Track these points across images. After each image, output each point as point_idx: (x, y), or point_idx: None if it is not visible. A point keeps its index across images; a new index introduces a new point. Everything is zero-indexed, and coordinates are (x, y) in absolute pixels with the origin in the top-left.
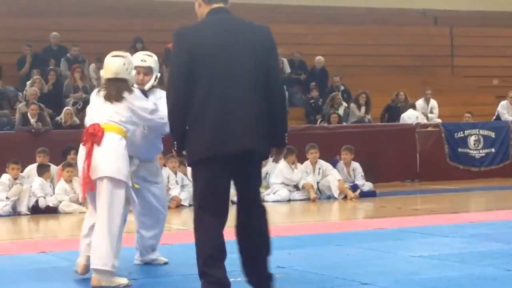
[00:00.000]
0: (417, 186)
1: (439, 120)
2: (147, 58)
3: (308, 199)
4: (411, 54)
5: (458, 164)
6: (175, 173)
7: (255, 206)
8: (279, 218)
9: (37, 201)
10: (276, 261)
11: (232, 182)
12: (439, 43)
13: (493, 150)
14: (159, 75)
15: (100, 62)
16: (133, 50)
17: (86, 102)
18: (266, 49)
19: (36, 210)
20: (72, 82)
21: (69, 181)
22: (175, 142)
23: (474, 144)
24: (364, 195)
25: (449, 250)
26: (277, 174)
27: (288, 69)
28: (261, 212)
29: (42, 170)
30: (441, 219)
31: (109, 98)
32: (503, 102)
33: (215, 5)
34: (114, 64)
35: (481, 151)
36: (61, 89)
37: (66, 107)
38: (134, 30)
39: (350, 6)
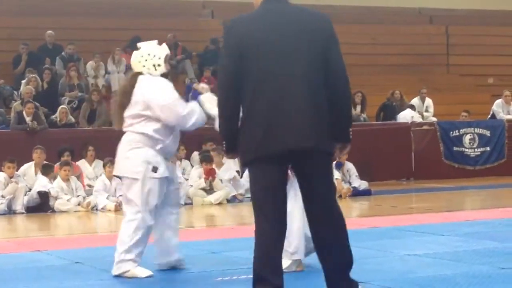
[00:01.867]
0: (413, 184)
1: (434, 119)
2: None
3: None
4: (407, 53)
5: (453, 163)
6: None
7: (322, 208)
8: None
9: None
10: None
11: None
12: (435, 42)
13: (488, 148)
14: None
15: (98, 59)
16: (129, 49)
17: (82, 101)
18: (324, 39)
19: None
20: (68, 81)
21: (66, 179)
22: (223, 142)
23: (469, 143)
24: (360, 193)
25: (444, 248)
26: None
27: None
28: (330, 216)
29: (47, 170)
30: (436, 218)
31: None
32: (498, 101)
33: None
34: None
35: (476, 149)
36: (57, 88)
37: (61, 106)
38: (130, 29)
39: (347, 5)
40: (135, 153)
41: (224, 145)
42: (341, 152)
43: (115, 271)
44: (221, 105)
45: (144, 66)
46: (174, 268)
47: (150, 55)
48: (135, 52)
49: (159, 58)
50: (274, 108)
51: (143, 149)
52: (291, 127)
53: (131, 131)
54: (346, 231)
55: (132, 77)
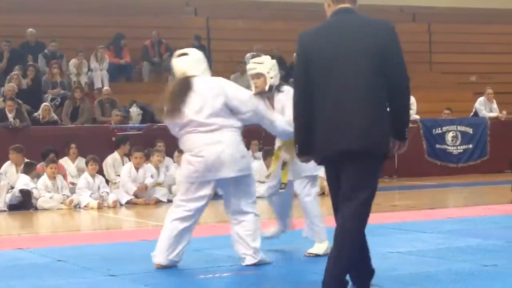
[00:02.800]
0: (395, 182)
1: (417, 117)
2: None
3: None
4: None
5: (436, 160)
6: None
7: (353, 206)
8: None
9: (24, 194)
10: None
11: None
12: (417, 39)
13: (470, 146)
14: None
15: (81, 56)
16: (112, 46)
17: (64, 98)
18: (386, 49)
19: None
20: (50, 78)
21: (52, 177)
22: (296, 145)
23: (452, 140)
24: None
25: (427, 246)
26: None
27: None
28: (357, 214)
29: (29, 169)
30: (419, 215)
31: None
32: (481, 99)
33: (342, 5)
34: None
35: (459, 147)
36: (40, 85)
37: (44, 103)
38: (113, 26)
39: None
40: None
41: (296, 148)
42: (399, 150)
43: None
44: (294, 108)
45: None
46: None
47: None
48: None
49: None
50: (335, 115)
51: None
52: (348, 131)
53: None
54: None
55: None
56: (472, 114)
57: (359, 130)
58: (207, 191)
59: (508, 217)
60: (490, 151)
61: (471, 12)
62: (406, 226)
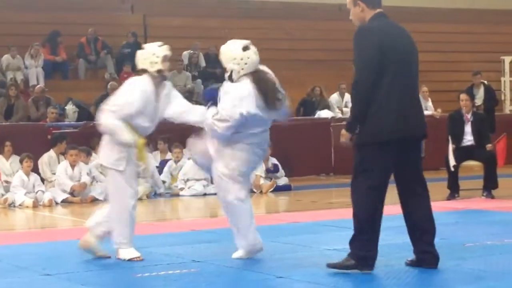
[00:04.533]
0: (332, 179)
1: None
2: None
3: None
4: (327, 49)
5: None
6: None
7: (420, 184)
8: (195, 212)
9: None
10: (192, 255)
11: None
12: (351, 37)
13: None
14: (231, 66)
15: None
16: (48, 43)
17: None
18: (417, 57)
19: None
20: None
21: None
22: (358, 126)
23: None
24: (280, 189)
25: None
26: (187, 170)
27: (203, 63)
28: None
29: None
30: None
31: None
32: None
33: (379, 10)
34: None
35: None
36: None
37: None
38: (48, 23)
39: (266, 0)
40: None
41: (350, 123)
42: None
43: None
44: (361, 93)
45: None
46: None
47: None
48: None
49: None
50: (405, 101)
51: None
52: (415, 118)
53: None
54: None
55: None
56: None
57: (422, 119)
58: None
59: (443, 214)
60: (426, 149)
61: (406, 11)
62: (343, 224)
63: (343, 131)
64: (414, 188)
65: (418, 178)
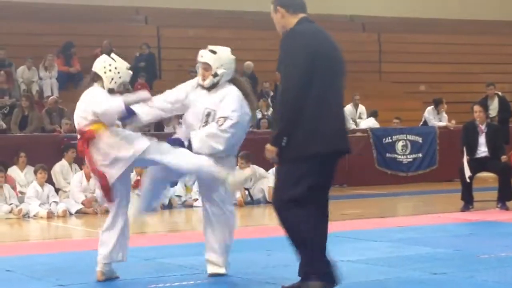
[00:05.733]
0: (346, 191)
1: (367, 125)
2: (205, 54)
3: (236, 205)
4: None
5: (386, 169)
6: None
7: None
8: None
9: None
10: (206, 266)
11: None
12: (367, 49)
13: (420, 155)
14: (221, 71)
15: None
16: (62, 55)
17: (13, 107)
18: (343, 62)
19: None
20: None
21: None
22: (284, 138)
23: (402, 149)
24: None
25: (377, 254)
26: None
27: None
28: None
29: None
30: (369, 224)
31: None
32: (429, 108)
33: (302, 15)
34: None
35: (408, 156)
36: None
37: None
38: (62, 34)
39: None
40: None
41: (284, 140)
42: None
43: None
44: (290, 101)
45: None
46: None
47: None
48: None
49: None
50: (336, 113)
51: None
52: (344, 131)
53: None
54: None
55: None
56: (421, 123)
57: (347, 133)
58: None
59: (457, 226)
60: (440, 160)
61: (420, 22)
62: (356, 235)
63: (268, 146)
64: (325, 209)
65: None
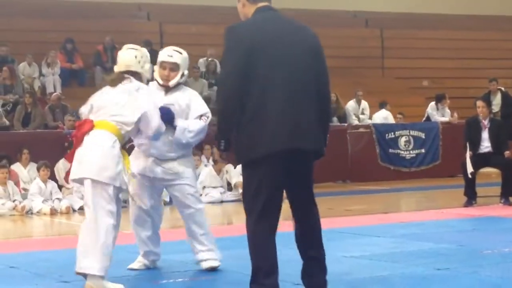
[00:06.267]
0: (349, 186)
1: (370, 121)
2: (174, 54)
3: (240, 200)
4: (342, 56)
5: (389, 165)
6: None
7: (311, 205)
8: (212, 219)
9: None
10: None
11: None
12: (370, 45)
13: (423, 150)
14: (186, 72)
15: (31, 60)
16: (63, 50)
17: (16, 103)
18: (315, 52)
19: None
20: (1, 83)
21: (3, 183)
22: (222, 140)
23: (405, 145)
24: None
25: (380, 250)
26: (204, 178)
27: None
28: (317, 211)
29: None
30: (372, 219)
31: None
32: (432, 103)
33: (261, 4)
34: (126, 56)
35: (411, 151)
36: None
37: None
38: (64, 31)
39: (280, 8)
40: None
41: (222, 143)
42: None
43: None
44: (224, 102)
45: None
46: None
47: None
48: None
49: None
50: (282, 110)
51: None
52: (296, 129)
53: None
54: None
55: None
56: (424, 118)
57: (310, 130)
58: None
59: (460, 221)
60: (442, 156)
61: (423, 18)
62: (359, 231)
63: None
64: (307, 209)
65: (310, 200)
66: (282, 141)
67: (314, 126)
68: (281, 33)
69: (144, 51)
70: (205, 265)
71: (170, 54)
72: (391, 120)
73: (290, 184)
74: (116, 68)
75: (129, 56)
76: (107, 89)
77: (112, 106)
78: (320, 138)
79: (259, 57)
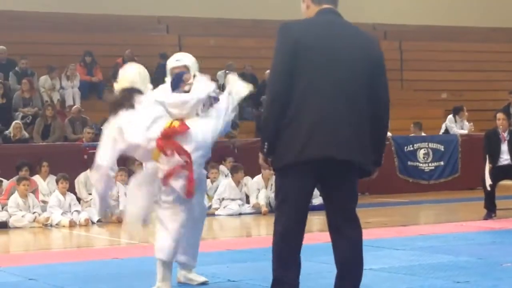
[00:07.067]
0: (368, 199)
1: (389, 134)
2: (181, 57)
3: (259, 213)
4: None
5: (408, 177)
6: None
7: (347, 222)
8: (231, 231)
9: None
10: (227, 274)
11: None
12: (389, 57)
13: (442, 163)
14: (198, 74)
15: (52, 72)
16: (82, 63)
17: (36, 116)
18: (374, 61)
19: None
20: (22, 96)
21: (24, 195)
22: (265, 143)
23: (424, 157)
24: (315, 208)
25: (399, 262)
26: (222, 191)
27: None
28: (353, 233)
29: None
30: (391, 232)
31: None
32: (450, 116)
33: (325, 6)
34: (130, 73)
35: (430, 164)
36: (11, 103)
37: (15, 121)
38: (84, 44)
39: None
40: None
41: (265, 146)
42: (373, 175)
43: None
44: (267, 105)
45: None
46: None
47: None
48: None
49: None
50: (320, 116)
51: None
52: (335, 137)
53: None
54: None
55: None
56: (443, 131)
57: (351, 139)
58: None
59: (479, 234)
60: (461, 168)
61: (442, 30)
62: (378, 243)
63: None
64: (341, 227)
65: (347, 216)
66: (313, 149)
67: (357, 136)
68: (335, 37)
69: (145, 70)
70: None
71: (177, 58)
72: None
73: (326, 196)
74: (119, 85)
75: (133, 72)
76: None
77: None
78: (365, 150)
79: (303, 60)
